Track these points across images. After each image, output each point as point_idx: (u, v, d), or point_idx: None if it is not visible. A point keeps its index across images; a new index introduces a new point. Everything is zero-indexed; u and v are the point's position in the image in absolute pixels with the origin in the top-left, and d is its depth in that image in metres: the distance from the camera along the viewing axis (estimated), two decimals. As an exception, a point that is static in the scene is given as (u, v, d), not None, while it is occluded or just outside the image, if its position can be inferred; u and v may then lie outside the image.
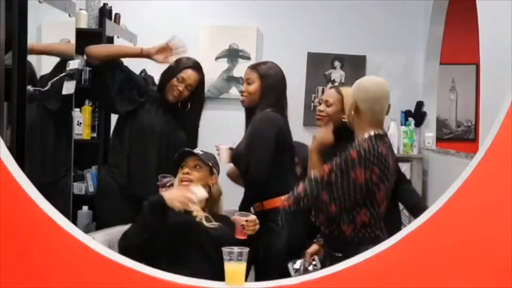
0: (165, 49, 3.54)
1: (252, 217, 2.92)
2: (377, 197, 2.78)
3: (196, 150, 3.15)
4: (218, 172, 3.17)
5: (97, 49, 3.64)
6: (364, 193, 2.74)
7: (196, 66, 3.57)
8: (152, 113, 3.54)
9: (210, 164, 3.11)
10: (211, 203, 3.13)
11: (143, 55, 3.57)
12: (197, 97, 3.61)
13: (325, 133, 3.07)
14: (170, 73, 3.55)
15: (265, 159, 3.13)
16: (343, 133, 3.10)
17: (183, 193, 2.90)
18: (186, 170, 3.08)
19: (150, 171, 3.39)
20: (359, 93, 2.85)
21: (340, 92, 3.36)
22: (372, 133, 2.80)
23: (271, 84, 3.32)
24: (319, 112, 3.41)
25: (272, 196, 3.16)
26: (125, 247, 2.85)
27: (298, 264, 2.91)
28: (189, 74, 3.52)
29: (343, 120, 3.17)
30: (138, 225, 2.89)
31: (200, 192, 2.94)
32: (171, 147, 3.47)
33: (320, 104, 3.45)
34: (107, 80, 3.52)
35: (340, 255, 2.69)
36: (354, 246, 2.67)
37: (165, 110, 3.55)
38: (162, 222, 2.87)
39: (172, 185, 3.18)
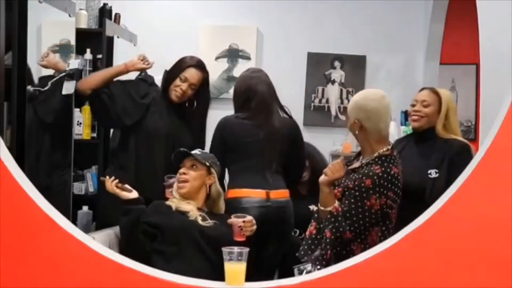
0: (145, 57, 3.57)
1: (249, 217, 2.92)
2: (390, 215, 2.76)
3: (194, 151, 3.15)
4: (218, 172, 3.18)
5: (87, 81, 3.55)
6: (379, 217, 2.73)
7: (199, 65, 3.54)
8: (157, 115, 3.51)
9: (208, 164, 3.11)
10: (210, 203, 3.13)
11: (129, 70, 3.54)
12: (201, 97, 3.58)
13: (337, 169, 2.83)
14: (173, 73, 3.53)
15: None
16: (429, 134, 3.22)
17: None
18: (182, 170, 3.10)
19: (157, 172, 3.38)
20: (360, 113, 2.80)
21: (437, 92, 3.33)
22: (381, 151, 2.78)
23: (233, 93, 3.66)
24: (415, 113, 3.33)
25: (229, 188, 3.42)
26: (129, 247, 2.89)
27: (308, 268, 2.87)
28: (191, 73, 3.50)
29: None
30: (122, 232, 3.04)
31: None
32: (177, 148, 3.45)
33: (414, 106, 3.37)
34: (106, 102, 3.46)
35: None
36: None
37: (170, 111, 3.52)
38: (138, 212, 3.00)
39: None
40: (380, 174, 2.73)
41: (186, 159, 3.13)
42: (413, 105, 3.37)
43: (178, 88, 3.48)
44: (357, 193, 2.71)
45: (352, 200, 2.71)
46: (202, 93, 3.57)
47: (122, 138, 3.60)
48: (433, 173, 3.14)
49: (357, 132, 2.83)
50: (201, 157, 3.12)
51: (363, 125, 2.80)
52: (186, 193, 3.08)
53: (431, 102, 3.30)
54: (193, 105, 3.57)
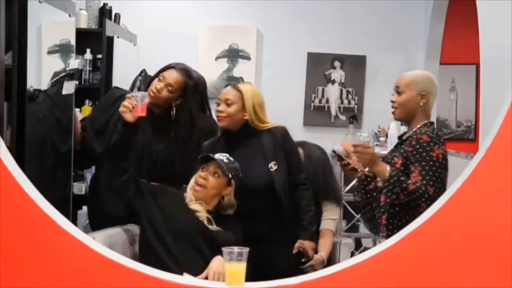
0: None
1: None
2: (445, 177, 2.88)
3: (221, 157, 3.04)
4: (237, 185, 3.07)
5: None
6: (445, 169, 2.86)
7: (182, 68, 3.32)
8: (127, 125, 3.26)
9: (230, 176, 3.02)
10: (220, 208, 3.07)
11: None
12: (183, 106, 3.31)
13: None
14: (154, 76, 3.36)
15: None
16: (247, 130, 3.17)
17: None
18: (204, 174, 3.02)
19: (127, 184, 3.27)
20: (430, 87, 2.98)
21: (239, 89, 3.19)
22: (426, 121, 2.97)
23: None
24: (219, 113, 3.20)
25: None
26: None
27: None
28: (170, 72, 3.27)
29: (244, 118, 3.16)
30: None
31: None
32: (145, 159, 3.30)
33: (218, 104, 3.22)
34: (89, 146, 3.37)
35: None
36: None
37: (147, 121, 3.27)
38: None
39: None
40: (430, 130, 2.92)
41: (211, 163, 3.03)
42: (217, 104, 3.23)
43: (153, 87, 3.27)
44: (420, 150, 2.83)
45: (419, 158, 2.82)
46: (183, 102, 3.31)
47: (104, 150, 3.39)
48: (272, 165, 3.14)
49: (421, 103, 2.95)
50: (226, 166, 3.02)
51: (429, 99, 2.96)
52: (200, 198, 3.04)
53: (234, 100, 3.17)
54: (172, 117, 3.33)
